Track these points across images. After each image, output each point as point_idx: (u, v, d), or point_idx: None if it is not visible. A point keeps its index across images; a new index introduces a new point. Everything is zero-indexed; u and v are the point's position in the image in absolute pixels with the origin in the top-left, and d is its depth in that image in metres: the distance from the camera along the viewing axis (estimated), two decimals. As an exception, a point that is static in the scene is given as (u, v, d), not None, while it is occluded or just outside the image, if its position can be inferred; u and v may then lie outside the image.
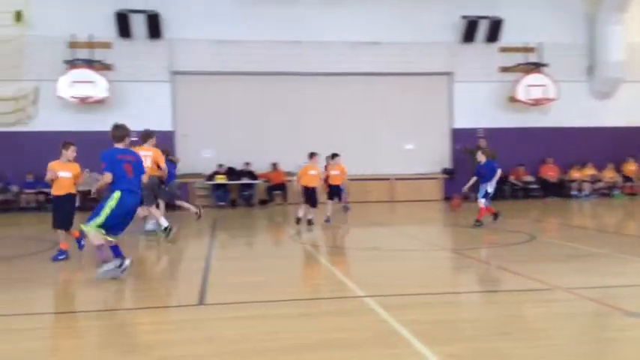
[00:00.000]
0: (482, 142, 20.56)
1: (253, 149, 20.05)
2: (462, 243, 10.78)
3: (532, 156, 21.22)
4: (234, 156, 19.90)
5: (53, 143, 18.74)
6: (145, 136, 10.84)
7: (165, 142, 18.98)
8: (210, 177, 19.58)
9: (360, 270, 7.62)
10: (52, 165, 8.69)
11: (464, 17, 20.79)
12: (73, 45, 18.77)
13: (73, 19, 18.70)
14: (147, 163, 9.80)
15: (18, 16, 18.21)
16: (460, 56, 21.15)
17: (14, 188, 18.49)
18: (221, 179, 19.34)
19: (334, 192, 13.60)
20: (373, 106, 21.13)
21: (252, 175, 19.82)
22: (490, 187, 12.09)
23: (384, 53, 20.45)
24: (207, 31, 19.53)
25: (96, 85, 18.57)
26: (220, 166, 19.61)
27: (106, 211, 6.87)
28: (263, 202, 19.74)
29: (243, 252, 10.17)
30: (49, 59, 18.56)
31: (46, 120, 18.77)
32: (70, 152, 8.65)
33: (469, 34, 20.93)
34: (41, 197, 18.47)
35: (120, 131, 7.49)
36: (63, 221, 8.59)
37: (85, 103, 18.72)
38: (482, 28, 20.94)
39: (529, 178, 21.20)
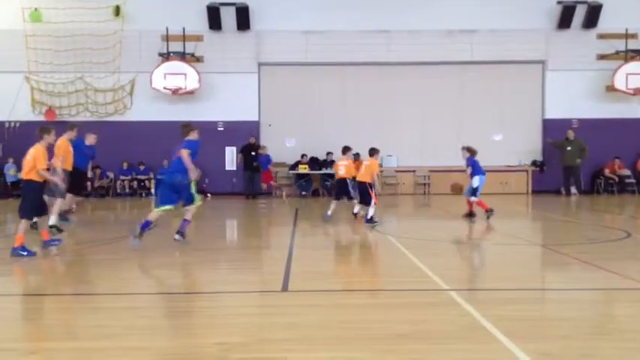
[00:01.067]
0: (571, 134, 19.62)
1: (336, 139, 20.03)
2: (551, 238, 10.33)
3: (629, 148, 19.98)
4: (317, 146, 20.07)
5: (146, 132, 19.88)
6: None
7: (251, 132, 19.59)
8: (294, 166, 19.87)
9: (443, 263, 7.48)
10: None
11: (560, 2, 19.83)
12: (167, 38, 19.57)
13: (168, 13, 19.49)
14: None
15: (117, 11, 19.22)
16: (554, 43, 20.20)
17: (111, 175, 19.61)
18: (304, 169, 19.57)
19: (342, 189, 12.27)
20: (461, 96, 20.64)
21: (334, 165, 19.88)
22: (475, 183, 12.10)
23: (476, 41, 19.95)
24: (294, 22, 19.78)
25: (187, 77, 19.30)
26: (303, 155, 19.84)
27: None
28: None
29: (324, 241, 10.26)
30: (144, 52, 19.49)
31: (141, 110, 19.75)
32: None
33: (565, 20, 19.93)
34: (135, 183, 19.51)
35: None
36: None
37: (176, 94, 19.50)
38: (579, 14, 19.88)
39: (625, 172, 19.97)
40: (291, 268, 7.07)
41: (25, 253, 7.71)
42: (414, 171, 20.56)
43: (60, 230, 9.88)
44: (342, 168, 12.17)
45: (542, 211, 14.96)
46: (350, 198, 12.12)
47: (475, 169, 12.30)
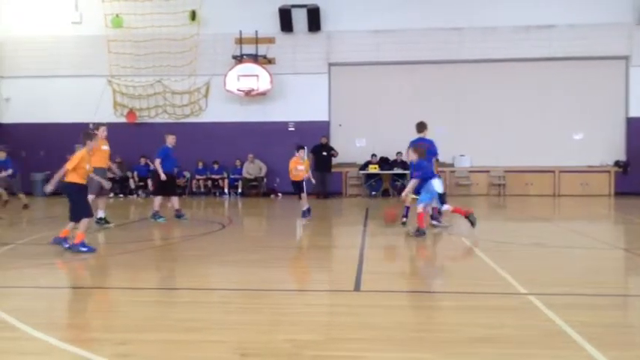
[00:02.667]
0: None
1: (406, 139, 19.81)
2: (636, 242, 9.77)
3: None
4: (387, 146, 19.91)
5: (221, 133, 20.38)
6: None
7: (321, 132, 19.70)
8: (364, 166, 19.81)
9: (521, 266, 7.22)
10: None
11: (644, -6, 18.77)
12: (240, 41, 20.01)
13: (241, 16, 19.93)
14: None
15: (192, 15, 19.84)
16: (639, 38, 19.11)
17: (187, 174, 20.25)
18: (374, 169, 19.48)
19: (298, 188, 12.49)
20: (538, 94, 19.90)
21: (404, 165, 19.67)
22: (437, 187, 10.21)
23: (555, 37, 19.22)
24: (364, 21, 19.75)
25: (259, 79, 19.67)
26: (373, 155, 19.76)
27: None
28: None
29: (395, 242, 10.14)
30: (219, 55, 20.01)
31: (215, 112, 20.30)
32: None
33: (650, 13, 18.83)
34: (209, 183, 20.06)
35: None
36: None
37: (249, 95, 19.90)
38: (667, 5, 18.74)
39: None
40: (363, 267, 7.05)
41: (85, 249, 8.10)
42: (488, 171, 20.02)
43: (107, 222, 10.95)
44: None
45: (625, 213, 14.19)
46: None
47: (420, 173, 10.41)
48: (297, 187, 12.47)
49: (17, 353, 3.99)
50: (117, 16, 20.05)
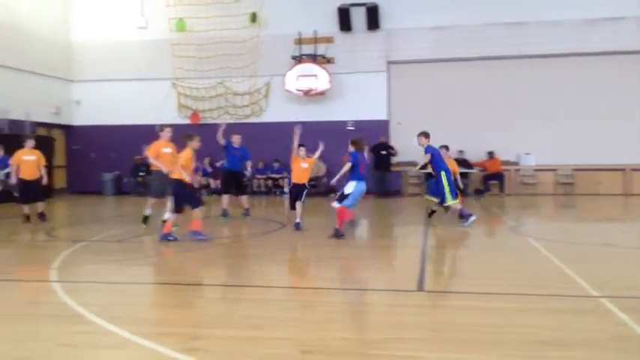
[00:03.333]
0: None
1: (468, 137, 19.51)
2: None
3: None
4: (448, 144, 19.46)
5: (281, 133, 20.58)
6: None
7: (380, 131, 19.60)
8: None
9: (592, 267, 6.94)
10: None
11: None
12: (299, 42, 20.16)
13: (300, 17, 20.08)
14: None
15: (253, 17, 20.15)
16: None
17: (247, 174, 20.54)
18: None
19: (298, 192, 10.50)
20: (607, 89, 19.05)
21: (466, 163, 19.30)
22: (348, 188, 9.52)
23: (624, 29, 18.33)
24: (423, 18, 19.48)
25: (318, 78, 19.76)
26: (434, 154, 19.46)
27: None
28: (478, 192, 19.12)
29: (458, 242, 9.98)
30: (278, 56, 20.23)
31: (275, 112, 20.53)
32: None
33: None
34: (270, 182, 20.30)
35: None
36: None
37: (308, 95, 20.03)
38: None
39: None
40: (426, 267, 6.97)
41: (201, 237, 8.93)
42: (554, 169, 19.36)
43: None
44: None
45: None
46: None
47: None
48: (297, 192, 10.40)
49: (93, 347, 4.17)
50: (181, 20, 20.61)
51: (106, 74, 21.28)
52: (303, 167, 10.39)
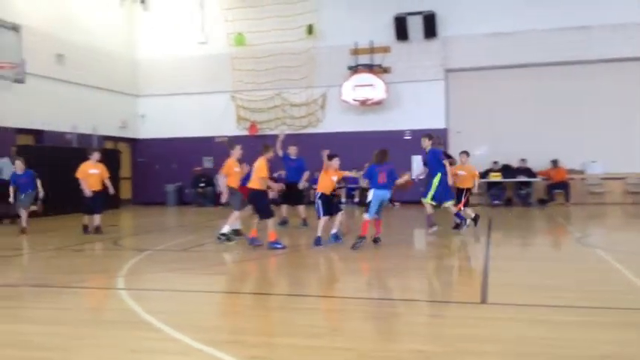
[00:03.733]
0: None
1: (530, 145, 18.99)
2: None
3: None
4: (510, 152, 19.11)
5: (337, 143, 20.63)
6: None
7: (439, 140, 19.29)
8: (484, 175, 19.16)
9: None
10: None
11: None
12: (356, 52, 20.22)
13: (356, 28, 20.16)
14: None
15: (309, 30, 20.37)
16: None
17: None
18: (496, 177, 18.78)
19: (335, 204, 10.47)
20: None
21: (529, 172, 18.79)
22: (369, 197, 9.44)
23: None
24: (481, 25, 19.18)
25: (375, 88, 19.74)
26: (495, 163, 19.05)
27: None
28: (542, 202, 18.54)
29: (521, 253, 9.70)
30: (334, 67, 20.35)
31: (331, 122, 20.64)
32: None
33: None
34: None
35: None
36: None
37: (364, 105, 20.03)
38: None
39: None
40: (489, 279, 6.79)
41: (279, 246, 9.17)
42: (623, 178, 18.55)
43: (229, 239, 10.01)
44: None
45: None
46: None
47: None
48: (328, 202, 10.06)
49: (159, 352, 4.28)
50: (239, 34, 21.07)
51: (169, 89, 21.99)
52: (333, 180, 10.05)
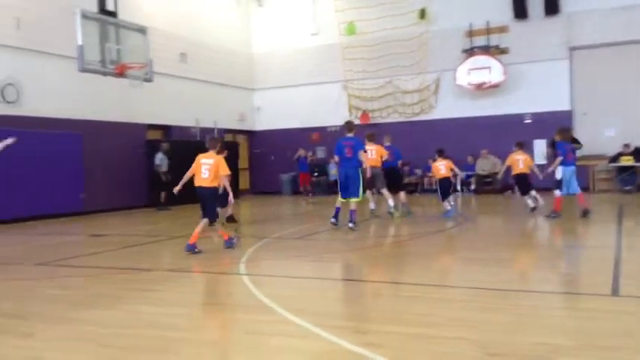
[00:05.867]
0: None
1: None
2: None
3: None
4: (642, 134, 17.58)
5: (452, 129, 20.10)
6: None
7: (562, 122, 18.15)
8: (614, 159, 17.78)
9: None
10: None
11: None
12: (470, 34, 19.53)
13: (470, 9, 19.45)
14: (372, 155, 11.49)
15: (422, 14, 19.94)
16: None
17: (418, 172, 20.38)
18: (627, 161, 17.37)
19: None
20: None
21: (664, 155, 17.18)
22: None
23: None
24: (610, -3, 17.75)
25: (491, 70, 18.96)
26: (626, 146, 17.60)
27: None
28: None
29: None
30: (448, 50, 19.79)
31: (445, 108, 20.12)
32: None
33: None
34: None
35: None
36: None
37: (480, 89, 19.30)
38: None
39: None
40: (621, 270, 6.30)
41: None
42: None
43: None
44: (442, 168, 12.29)
45: None
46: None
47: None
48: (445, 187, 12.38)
49: (279, 335, 4.41)
50: (350, 23, 21.10)
51: (283, 81, 22.55)
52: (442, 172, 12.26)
